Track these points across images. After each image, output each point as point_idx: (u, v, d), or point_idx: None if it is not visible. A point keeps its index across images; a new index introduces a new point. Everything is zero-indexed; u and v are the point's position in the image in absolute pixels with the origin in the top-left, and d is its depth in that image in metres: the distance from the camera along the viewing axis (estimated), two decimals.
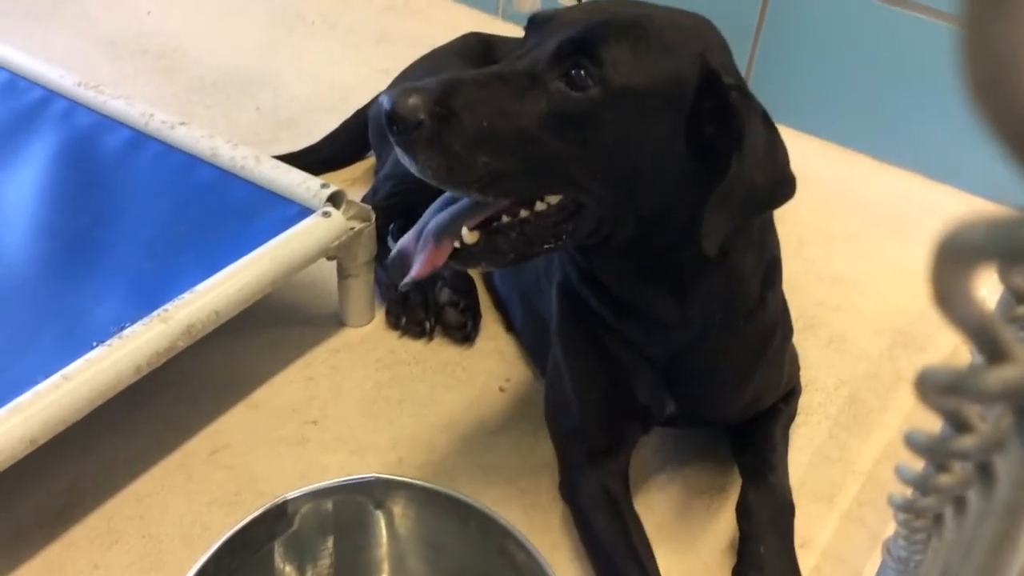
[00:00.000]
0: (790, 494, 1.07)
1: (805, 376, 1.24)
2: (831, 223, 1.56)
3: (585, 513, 1.04)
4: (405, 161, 0.84)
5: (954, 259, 0.18)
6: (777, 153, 0.87)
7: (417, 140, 0.80)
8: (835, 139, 1.75)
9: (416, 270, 0.88)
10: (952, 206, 1.63)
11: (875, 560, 0.85)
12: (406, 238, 0.92)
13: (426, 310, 1.34)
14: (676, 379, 1.03)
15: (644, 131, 0.84)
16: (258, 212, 1.26)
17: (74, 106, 1.43)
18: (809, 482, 1.15)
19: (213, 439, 1.18)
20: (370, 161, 1.67)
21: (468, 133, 0.81)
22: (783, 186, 0.87)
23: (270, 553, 0.85)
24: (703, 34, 0.88)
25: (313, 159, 1.58)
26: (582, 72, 0.81)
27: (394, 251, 0.92)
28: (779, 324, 1.06)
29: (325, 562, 0.89)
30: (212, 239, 1.22)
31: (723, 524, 1.10)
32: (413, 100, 0.79)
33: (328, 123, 1.66)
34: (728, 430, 1.15)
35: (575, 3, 0.90)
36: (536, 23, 0.88)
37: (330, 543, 0.88)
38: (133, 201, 1.29)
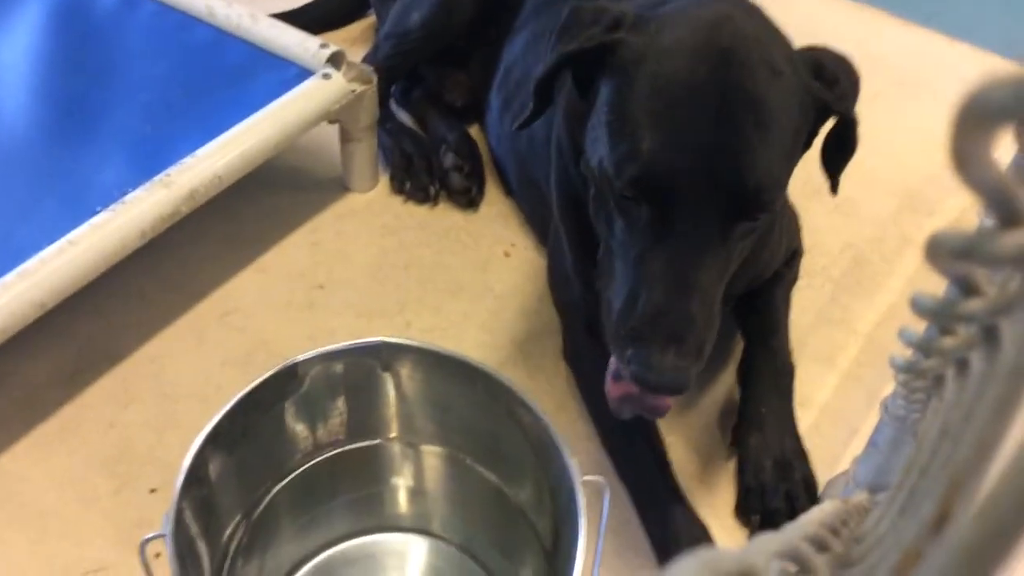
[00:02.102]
0: (791, 356, 1.09)
1: (810, 240, 1.23)
2: None
3: (587, 377, 1.06)
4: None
5: (975, 119, 0.17)
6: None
7: (690, 381, 0.81)
8: None
9: (667, 401, 0.88)
10: (970, 65, 1.58)
11: (872, 418, 0.87)
12: (621, 383, 0.88)
13: (430, 175, 1.33)
14: None
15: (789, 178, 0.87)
16: (256, 73, 1.23)
17: None
18: (810, 343, 1.17)
19: (223, 302, 1.19)
20: (370, 20, 1.62)
21: (708, 332, 0.82)
22: None
23: (281, 412, 0.87)
24: (778, 40, 0.85)
25: (311, 18, 1.53)
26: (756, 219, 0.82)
27: (617, 399, 0.89)
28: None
29: (335, 421, 0.91)
30: (210, 102, 1.20)
31: (724, 385, 1.12)
32: (678, 365, 0.79)
33: None
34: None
35: None
36: None
37: (340, 403, 0.90)
38: (129, 63, 1.26)
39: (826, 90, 0.85)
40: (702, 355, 0.81)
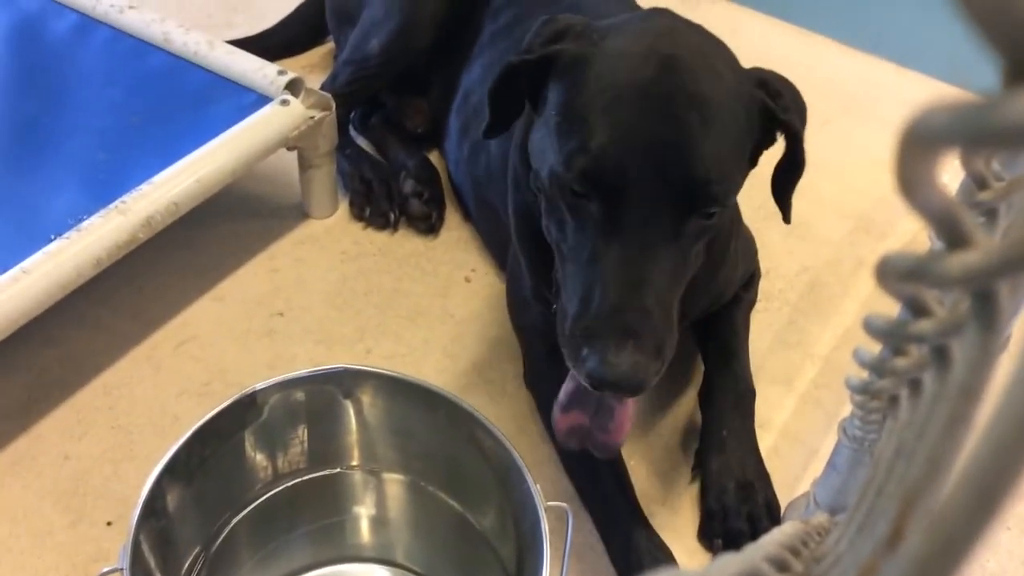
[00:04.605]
0: (751, 379, 1.10)
1: (767, 263, 1.25)
2: None
3: (548, 401, 1.06)
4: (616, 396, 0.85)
5: (918, 144, 0.18)
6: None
7: (649, 380, 0.80)
8: (799, 22, 1.72)
9: (618, 436, 0.88)
10: (917, 91, 1.62)
11: (831, 440, 0.88)
12: (570, 414, 0.89)
13: (390, 201, 1.33)
14: None
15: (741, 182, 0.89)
16: (213, 100, 1.22)
17: None
18: (768, 366, 1.18)
19: (180, 331, 1.18)
20: (328, 46, 1.62)
21: (666, 332, 0.81)
22: None
23: (241, 442, 0.86)
24: (721, 51, 0.88)
25: (269, 44, 1.53)
26: (713, 211, 0.82)
27: (565, 431, 0.90)
28: (733, 224, 1.06)
29: (296, 450, 0.90)
30: (167, 128, 1.19)
31: (686, 408, 1.13)
32: (636, 361, 0.78)
33: (284, 6, 1.60)
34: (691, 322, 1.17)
35: None
36: None
37: (300, 432, 0.90)
38: (83, 90, 1.25)
39: (769, 100, 0.87)
40: (661, 355, 0.80)
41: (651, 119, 0.80)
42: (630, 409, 0.89)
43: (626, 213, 0.80)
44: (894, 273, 0.25)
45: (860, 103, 1.60)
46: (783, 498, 1.01)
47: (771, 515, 0.99)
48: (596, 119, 0.81)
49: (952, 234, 0.23)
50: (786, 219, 0.98)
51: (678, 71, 0.81)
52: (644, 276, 0.80)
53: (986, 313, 0.23)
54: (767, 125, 0.88)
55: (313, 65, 1.59)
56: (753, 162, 0.90)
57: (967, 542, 0.15)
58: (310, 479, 0.91)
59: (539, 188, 0.89)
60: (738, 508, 0.99)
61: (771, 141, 0.91)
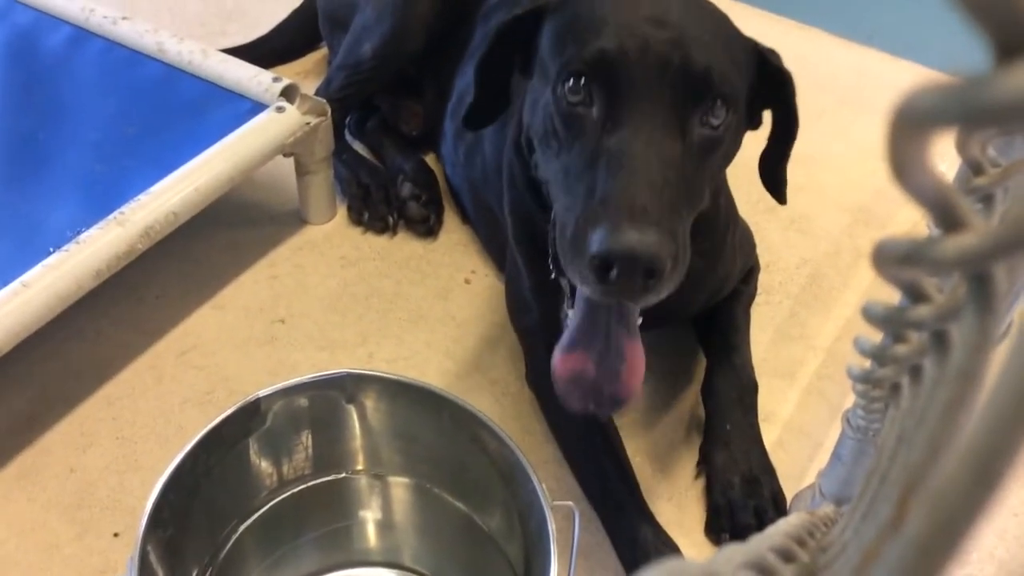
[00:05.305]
0: (753, 372, 1.10)
1: (767, 257, 1.25)
2: None
3: (551, 401, 1.06)
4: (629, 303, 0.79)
5: (909, 126, 0.18)
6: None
7: (664, 260, 0.73)
8: (793, 15, 1.72)
9: (629, 384, 0.82)
10: (912, 82, 1.62)
11: (835, 431, 0.88)
12: (573, 354, 0.82)
13: (388, 205, 1.33)
14: None
15: (739, 121, 0.87)
16: (209, 109, 1.22)
17: (11, 3, 1.37)
18: (771, 359, 1.18)
19: (181, 341, 1.18)
20: (322, 52, 1.62)
21: (677, 224, 0.77)
22: None
23: (245, 449, 0.86)
24: (721, 14, 0.88)
25: (263, 52, 1.53)
26: (716, 111, 0.81)
27: (566, 379, 0.82)
28: (729, 217, 1.06)
29: (300, 456, 0.90)
30: (163, 138, 1.19)
31: (689, 403, 1.13)
32: (654, 239, 0.72)
33: (277, 14, 1.60)
34: (692, 317, 1.17)
35: None
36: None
37: (304, 438, 0.90)
38: (78, 101, 1.25)
39: (761, 49, 0.88)
40: (676, 241, 0.75)
41: (648, 22, 0.80)
42: (641, 354, 0.83)
43: (627, 107, 0.79)
44: (890, 258, 0.25)
45: (856, 95, 1.60)
46: (789, 491, 1.01)
47: (777, 508, 0.99)
48: (592, 26, 0.81)
49: (947, 217, 0.23)
50: (781, 199, 0.97)
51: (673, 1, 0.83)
52: (650, 162, 0.76)
53: (983, 296, 0.23)
54: (760, 71, 0.88)
55: (307, 71, 1.60)
56: (752, 116, 0.90)
57: (967, 521, 0.15)
58: (315, 485, 0.91)
59: (531, 138, 0.89)
60: (744, 502, 0.99)
61: (764, 100, 0.91)
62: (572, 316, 0.83)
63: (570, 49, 0.82)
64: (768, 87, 0.90)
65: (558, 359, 0.82)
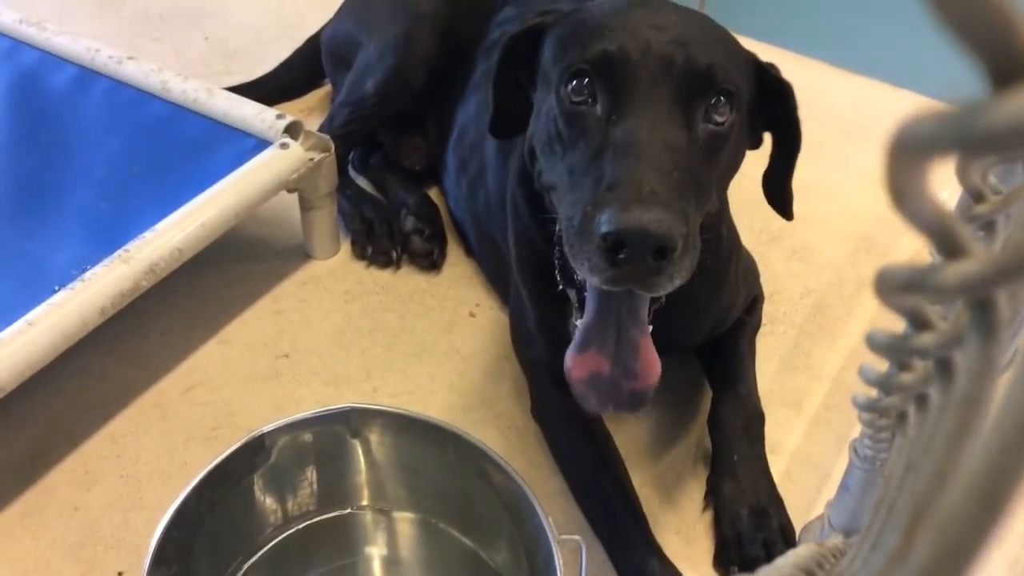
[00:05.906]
0: (759, 403, 1.09)
1: (770, 287, 1.25)
2: None
3: (556, 433, 1.06)
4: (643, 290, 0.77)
5: (907, 153, 0.18)
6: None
7: (675, 238, 0.72)
8: (792, 47, 1.73)
9: (647, 379, 0.81)
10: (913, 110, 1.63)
11: (843, 462, 0.87)
12: (586, 354, 0.81)
13: (392, 239, 1.33)
14: None
15: (743, 123, 0.88)
16: (213, 146, 1.23)
17: (16, 44, 1.38)
18: (776, 389, 1.18)
19: (186, 377, 1.18)
20: (325, 89, 1.63)
21: (687, 208, 0.76)
22: None
23: (250, 486, 0.86)
24: (722, 27, 0.90)
25: (267, 90, 1.55)
26: (720, 107, 0.82)
27: (583, 381, 0.81)
28: (733, 245, 1.06)
29: (305, 491, 0.90)
30: (168, 176, 1.20)
31: (695, 435, 1.12)
32: (664, 215, 0.71)
33: (280, 52, 1.62)
34: (696, 347, 1.17)
35: None
36: None
37: (309, 473, 0.89)
38: (84, 140, 1.26)
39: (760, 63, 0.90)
40: (686, 221, 0.74)
41: (649, 27, 0.82)
42: (654, 349, 0.82)
43: (632, 100, 0.79)
44: (893, 285, 0.25)
45: (856, 125, 1.61)
46: (797, 522, 1.00)
47: (786, 540, 0.98)
48: (594, 32, 0.83)
49: (947, 244, 0.23)
50: (787, 215, 0.97)
51: (669, 6, 0.86)
52: (657, 149, 0.76)
53: (986, 322, 0.23)
54: (760, 85, 0.89)
55: (311, 108, 1.61)
56: (754, 133, 0.91)
57: (973, 548, 0.15)
58: (321, 521, 0.91)
59: (534, 148, 0.90)
60: (753, 534, 0.98)
61: (765, 116, 0.92)
62: (580, 316, 0.83)
63: (572, 53, 0.84)
64: (768, 102, 0.91)
65: (571, 361, 0.81)
